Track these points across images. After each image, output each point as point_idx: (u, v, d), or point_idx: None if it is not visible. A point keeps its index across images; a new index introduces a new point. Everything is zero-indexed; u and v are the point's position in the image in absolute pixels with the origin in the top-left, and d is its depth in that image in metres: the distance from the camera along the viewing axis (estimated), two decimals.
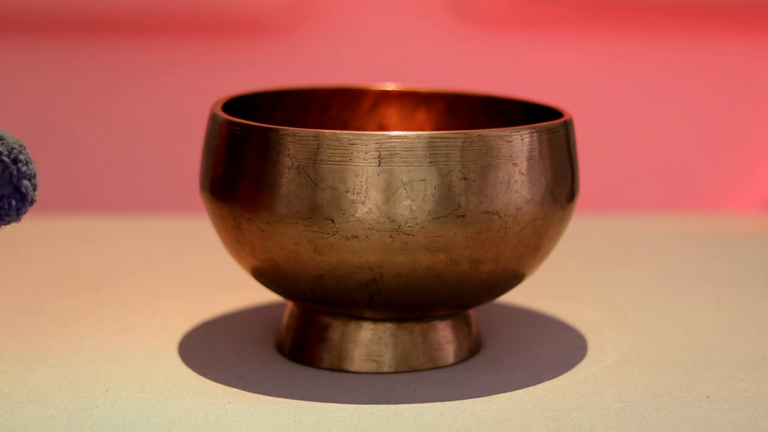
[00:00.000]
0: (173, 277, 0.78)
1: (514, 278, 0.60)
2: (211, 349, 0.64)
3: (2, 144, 0.53)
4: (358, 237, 0.56)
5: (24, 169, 0.53)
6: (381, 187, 0.56)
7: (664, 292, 0.75)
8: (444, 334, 0.62)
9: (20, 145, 0.54)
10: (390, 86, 0.71)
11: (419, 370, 0.61)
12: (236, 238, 0.59)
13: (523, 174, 0.57)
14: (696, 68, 1.25)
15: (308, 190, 0.56)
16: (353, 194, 0.56)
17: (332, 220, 0.56)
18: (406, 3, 1.24)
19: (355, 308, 0.60)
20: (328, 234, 0.56)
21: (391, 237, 0.56)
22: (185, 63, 1.22)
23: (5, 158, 0.53)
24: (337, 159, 0.56)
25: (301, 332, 0.62)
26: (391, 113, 0.71)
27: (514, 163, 0.57)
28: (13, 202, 0.53)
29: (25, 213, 0.54)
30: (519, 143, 0.57)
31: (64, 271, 0.79)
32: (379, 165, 0.55)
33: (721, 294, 0.74)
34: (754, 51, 1.25)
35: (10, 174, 0.53)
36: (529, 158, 0.57)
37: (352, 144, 0.56)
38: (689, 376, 0.61)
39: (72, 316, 0.70)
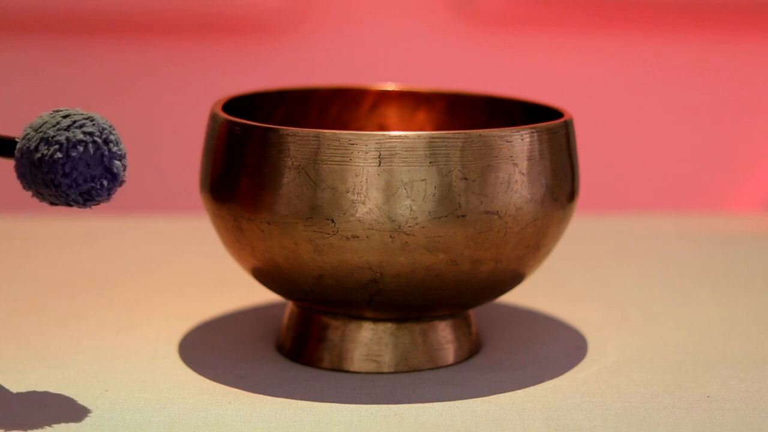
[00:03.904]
0: (173, 277, 0.78)
1: (514, 278, 0.60)
2: (211, 349, 0.64)
3: (93, 125, 0.54)
4: (358, 237, 0.56)
5: (115, 149, 0.54)
6: (381, 187, 0.56)
7: (665, 292, 0.75)
8: (444, 334, 0.62)
9: (110, 126, 0.54)
10: (390, 86, 0.71)
11: (419, 370, 0.61)
12: (236, 238, 0.59)
13: (523, 174, 0.57)
14: (696, 68, 1.25)
15: (308, 190, 0.56)
16: (353, 194, 0.56)
17: (332, 220, 0.56)
18: (406, 3, 1.24)
19: (355, 308, 0.60)
20: (328, 234, 0.56)
21: (391, 237, 0.56)
22: (185, 63, 1.22)
23: (97, 139, 0.53)
24: (338, 159, 0.56)
25: (301, 332, 0.62)
26: (392, 113, 0.71)
27: (514, 163, 0.57)
28: (105, 183, 0.54)
29: (114, 193, 0.54)
30: (519, 143, 0.57)
31: (64, 271, 0.79)
32: (380, 165, 0.55)
33: (722, 294, 0.74)
34: (754, 51, 1.25)
35: (102, 155, 0.53)
36: (530, 158, 0.57)
37: (352, 144, 0.56)
38: (689, 376, 0.61)
39: (72, 316, 0.70)
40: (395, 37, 1.24)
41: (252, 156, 0.57)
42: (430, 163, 0.56)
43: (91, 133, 0.53)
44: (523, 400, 0.57)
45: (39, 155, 0.53)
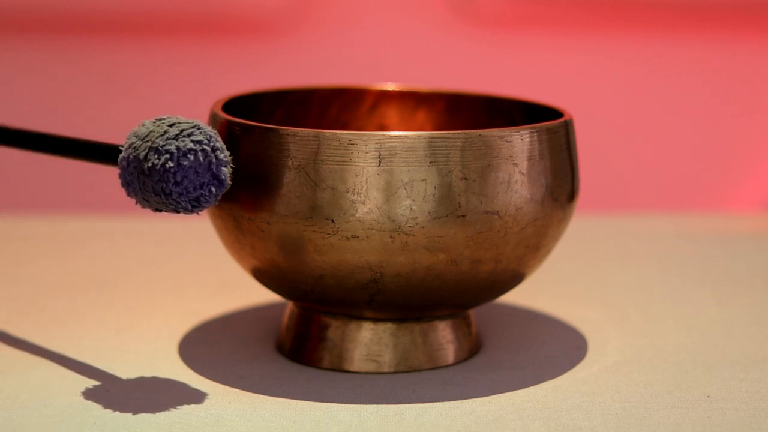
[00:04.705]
0: (173, 277, 0.78)
1: (514, 278, 0.60)
2: (211, 349, 0.64)
3: (201, 133, 0.55)
4: (358, 237, 0.56)
5: (222, 156, 0.55)
6: (381, 187, 0.56)
7: (665, 292, 0.75)
8: (444, 334, 0.62)
9: (215, 133, 0.56)
10: (390, 86, 0.71)
11: (419, 370, 0.61)
12: (236, 238, 0.59)
13: (523, 174, 0.57)
14: (696, 68, 1.25)
15: (308, 190, 0.56)
16: (353, 194, 0.56)
17: (332, 220, 0.56)
18: (406, 3, 1.24)
19: (355, 308, 0.60)
20: (328, 234, 0.56)
21: (391, 237, 0.56)
22: (185, 63, 1.22)
23: (206, 147, 0.55)
24: (338, 159, 0.56)
25: (301, 332, 0.62)
26: (392, 113, 0.71)
27: (514, 163, 0.57)
28: (213, 189, 0.55)
29: (219, 198, 0.56)
30: (519, 143, 0.57)
31: (64, 271, 0.79)
32: (380, 165, 0.55)
33: (722, 294, 0.74)
34: (754, 51, 1.25)
35: (209, 162, 0.55)
36: (529, 158, 0.57)
37: (352, 144, 0.56)
38: (689, 376, 0.61)
39: (72, 316, 0.70)
40: (395, 37, 1.24)
41: (252, 156, 0.57)
42: (430, 163, 0.56)
43: (200, 142, 0.54)
44: (523, 400, 0.57)
45: (149, 164, 0.54)
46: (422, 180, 0.56)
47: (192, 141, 0.54)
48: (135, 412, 0.56)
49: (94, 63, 1.22)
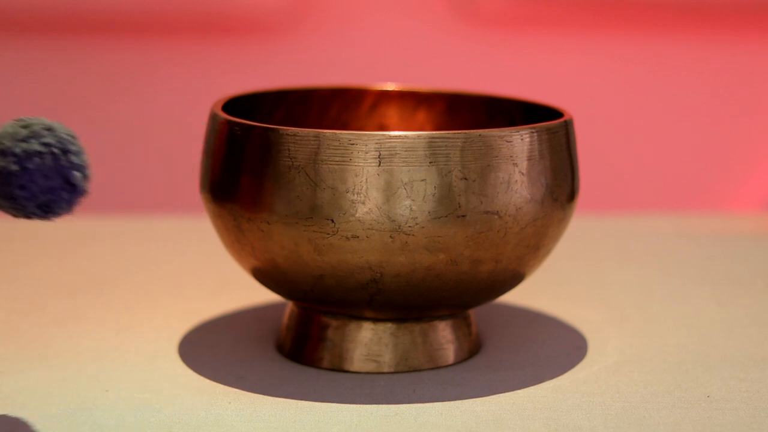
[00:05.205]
0: (173, 277, 0.78)
1: (514, 278, 0.60)
2: (211, 349, 0.64)
3: (52, 135, 0.52)
4: (358, 237, 0.56)
5: (75, 159, 0.53)
6: (381, 187, 0.56)
7: (665, 292, 0.75)
8: (444, 334, 0.62)
9: (71, 136, 0.53)
10: (390, 86, 0.71)
11: (419, 370, 0.61)
12: (236, 238, 0.59)
13: (523, 174, 0.57)
14: (696, 68, 1.25)
15: (308, 190, 0.56)
16: (353, 194, 0.56)
17: (332, 220, 0.56)
18: (406, 3, 1.24)
19: (355, 308, 0.60)
20: (328, 234, 0.56)
21: (391, 237, 0.56)
22: (185, 63, 1.22)
23: (55, 149, 0.52)
24: (337, 159, 0.56)
25: (301, 332, 0.62)
26: (392, 113, 0.71)
27: (514, 163, 0.57)
28: (64, 194, 0.52)
29: (75, 205, 0.53)
30: (519, 143, 0.57)
31: (64, 271, 0.79)
32: (379, 165, 0.55)
33: (722, 294, 0.74)
34: (754, 51, 1.25)
35: (61, 166, 0.52)
36: (529, 158, 0.57)
37: (352, 144, 0.56)
38: (689, 376, 0.61)
39: (72, 316, 0.70)
40: (395, 37, 1.24)
41: (252, 156, 0.57)
42: (430, 163, 0.56)
43: (48, 144, 0.52)
44: (523, 400, 0.57)
45: None
46: (422, 180, 0.56)
47: (40, 143, 0.52)
48: (135, 412, 0.56)
49: (94, 63, 1.22)
